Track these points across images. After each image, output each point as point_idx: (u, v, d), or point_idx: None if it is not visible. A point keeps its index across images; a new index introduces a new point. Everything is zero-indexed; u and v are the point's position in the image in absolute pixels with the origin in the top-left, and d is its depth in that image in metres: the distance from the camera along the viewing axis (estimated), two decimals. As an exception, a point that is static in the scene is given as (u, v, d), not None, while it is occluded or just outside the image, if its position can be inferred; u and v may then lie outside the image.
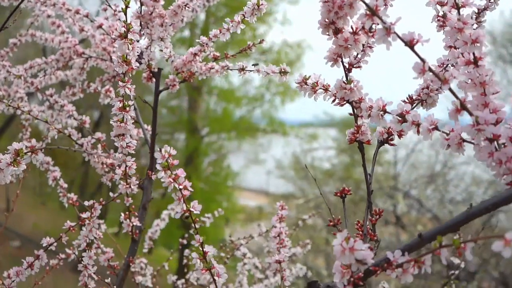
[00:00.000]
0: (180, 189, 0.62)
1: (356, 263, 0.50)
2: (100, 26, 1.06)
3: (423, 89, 0.68)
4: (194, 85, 11.21)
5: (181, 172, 0.62)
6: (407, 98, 0.68)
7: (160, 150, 0.60)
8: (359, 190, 7.05)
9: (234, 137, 12.04)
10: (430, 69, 0.51)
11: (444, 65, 0.70)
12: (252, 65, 0.95)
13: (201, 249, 0.64)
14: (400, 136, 0.67)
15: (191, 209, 0.63)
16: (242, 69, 0.94)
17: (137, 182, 0.90)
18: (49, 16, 1.18)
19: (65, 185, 1.09)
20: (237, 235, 1.42)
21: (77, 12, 1.09)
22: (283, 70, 0.86)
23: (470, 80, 0.54)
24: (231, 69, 0.96)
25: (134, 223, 0.96)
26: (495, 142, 0.51)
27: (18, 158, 0.66)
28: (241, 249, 1.30)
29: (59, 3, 1.09)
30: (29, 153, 0.67)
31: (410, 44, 0.50)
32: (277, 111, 11.62)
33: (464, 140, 0.54)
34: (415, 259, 0.50)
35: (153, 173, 0.97)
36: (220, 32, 0.89)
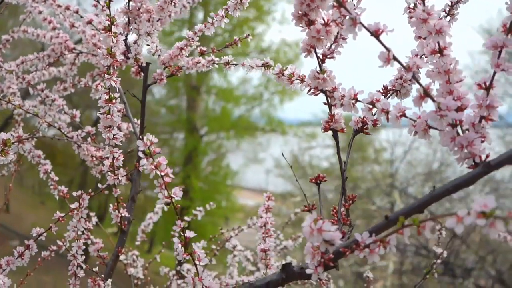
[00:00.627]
0: (162, 176, 0.64)
1: (324, 244, 0.52)
2: (90, 22, 1.08)
3: (397, 79, 0.70)
4: (193, 85, 11.24)
5: (162, 160, 0.65)
6: (381, 88, 0.71)
7: (142, 139, 0.63)
8: (357, 188, 7.08)
9: (233, 136, 12.06)
10: (395, 58, 0.53)
11: (418, 57, 0.72)
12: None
13: (182, 234, 0.66)
14: (374, 125, 0.69)
15: (172, 195, 0.65)
16: (227, 63, 0.96)
17: (125, 174, 0.92)
18: (40, 12, 1.20)
19: (56, 178, 1.11)
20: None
21: (67, 8, 1.12)
22: (266, 64, 0.88)
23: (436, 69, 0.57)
24: (217, 63, 0.99)
25: (123, 214, 0.98)
26: (458, 128, 0.54)
27: (6, 148, 0.68)
28: (231, 241, 1.33)
29: (50, 0, 1.11)
30: (16, 143, 0.69)
31: (375, 34, 0.52)
32: (276, 110, 11.65)
33: (430, 127, 0.56)
34: (380, 239, 0.52)
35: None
36: (205, 26, 0.91)
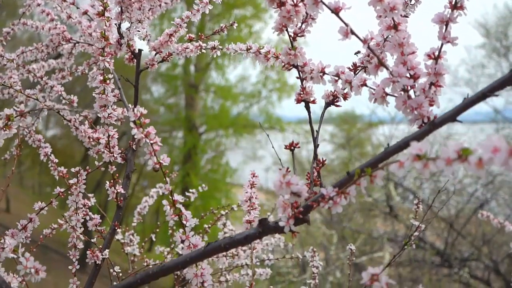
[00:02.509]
0: (151, 144, 0.71)
1: (292, 196, 0.60)
2: (85, 13, 1.15)
3: (365, 56, 0.77)
4: (191, 83, 11.31)
5: (151, 129, 0.72)
6: (351, 65, 0.78)
7: (133, 110, 0.70)
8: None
9: (232, 134, 12.13)
10: (352, 32, 0.60)
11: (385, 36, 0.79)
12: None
13: (170, 197, 0.73)
14: (345, 98, 0.76)
15: (161, 161, 0.72)
16: (213, 48, 1.03)
17: (120, 151, 0.99)
18: (39, 5, 1.27)
19: (56, 160, 1.18)
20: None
21: (64, 0, 1.18)
22: (249, 48, 0.95)
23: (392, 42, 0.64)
24: (204, 49, 1.06)
25: (119, 191, 1.06)
26: (411, 93, 0.61)
27: (9, 122, 0.75)
28: (222, 219, 1.40)
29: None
30: (19, 117, 0.76)
31: (335, 11, 0.60)
32: (274, 108, 11.72)
33: (386, 94, 0.63)
34: (341, 191, 0.59)
35: (135, 142, 1.06)
36: (192, 13, 0.98)
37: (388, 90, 0.62)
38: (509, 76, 0.54)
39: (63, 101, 1.20)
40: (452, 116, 0.56)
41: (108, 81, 0.86)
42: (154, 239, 1.53)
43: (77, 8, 1.18)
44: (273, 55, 0.73)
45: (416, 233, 1.11)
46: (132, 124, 0.70)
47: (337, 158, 10.23)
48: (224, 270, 1.32)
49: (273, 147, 0.99)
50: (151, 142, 0.71)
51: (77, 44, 1.28)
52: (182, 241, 0.72)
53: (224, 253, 1.25)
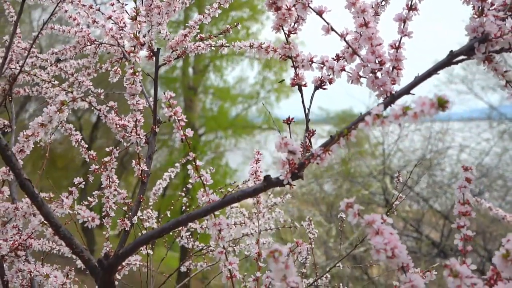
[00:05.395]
0: (179, 120, 0.90)
1: (289, 154, 0.78)
2: (109, 18, 1.34)
3: (345, 48, 0.96)
4: (190, 85, 11.49)
5: (179, 109, 0.91)
6: (335, 55, 0.97)
7: (164, 93, 0.89)
8: (354, 181, 7.36)
9: (231, 135, 12.31)
10: (332, 29, 0.79)
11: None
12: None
13: (194, 163, 0.92)
14: (330, 82, 0.95)
15: (186, 133, 0.91)
16: (221, 46, 1.23)
17: (145, 134, 1.19)
18: (66, 11, 1.46)
19: (86, 145, 1.37)
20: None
21: (90, 7, 1.38)
22: (251, 44, 1.14)
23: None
24: (213, 46, 1.25)
25: (143, 168, 1.25)
26: (377, 74, 0.80)
27: (63, 107, 0.95)
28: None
29: (76, 0, 1.38)
30: (71, 102, 0.95)
31: (319, 13, 0.79)
32: (273, 108, 11.91)
33: (360, 76, 0.83)
34: (326, 149, 0.78)
35: (157, 127, 1.25)
36: (203, 16, 1.17)
37: (361, 73, 0.81)
38: (447, 60, 0.73)
39: (91, 94, 1.39)
40: (406, 91, 0.75)
41: (137, 73, 1.05)
42: (169, 215, 1.71)
43: (102, 14, 1.37)
44: (272, 49, 0.92)
45: (396, 202, 1.30)
46: (163, 105, 0.89)
47: (337, 156, 10.42)
48: (232, 242, 1.51)
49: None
50: (179, 118, 0.90)
51: (100, 45, 1.47)
52: (203, 197, 0.91)
53: (233, 222, 1.44)
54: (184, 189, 1.99)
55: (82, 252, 0.83)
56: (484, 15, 0.72)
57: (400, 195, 1.34)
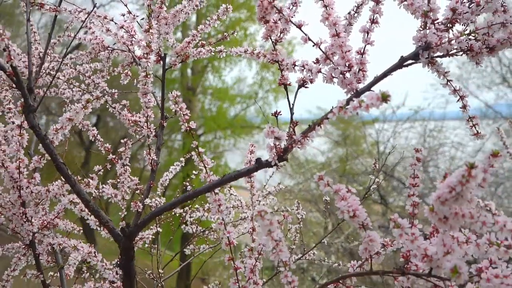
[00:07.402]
0: (184, 114, 1.09)
1: (275, 140, 0.97)
2: (122, 27, 1.53)
3: (321, 54, 1.15)
4: (189, 86, 11.67)
5: (183, 105, 1.10)
6: (315, 59, 1.16)
7: (171, 92, 1.08)
8: (353, 183, 7.55)
9: (230, 135, 12.48)
10: (309, 39, 0.98)
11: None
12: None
13: (197, 150, 1.11)
14: (311, 82, 1.14)
15: (190, 125, 1.10)
16: (221, 51, 1.42)
17: (155, 127, 1.38)
18: (83, 22, 1.65)
19: (101, 139, 1.56)
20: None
21: (105, 17, 1.57)
22: (246, 50, 1.33)
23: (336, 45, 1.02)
24: (213, 52, 1.44)
25: (153, 157, 1.44)
26: (347, 75, 0.99)
27: (88, 104, 1.14)
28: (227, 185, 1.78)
29: (101, 17, 1.56)
30: (95, 100, 1.14)
31: (299, 26, 0.98)
32: (271, 108, 12.08)
33: (333, 76, 1.02)
34: (305, 135, 0.97)
35: (165, 121, 1.44)
36: (205, 26, 1.37)
37: (333, 74, 1.00)
38: (399, 63, 0.92)
39: (106, 95, 1.58)
40: (367, 88, 0.95)
41: (149, 76, 1.24)
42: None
43: (115, 23, 1.56)
44: (263, 55, 1.11)
45: (374, 186, 1.49)
46: (170, 101, 1.08)
47: (335, 155, 10.63)
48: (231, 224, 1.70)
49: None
50: (184, 113, 1.09)
51: (113, 51, 1.66)
52: (205, 178, 1.10)
53: (232, 205, 1.63)
54: (185, 181, 2.18)
55: (107, 222, 1.02)
56: (427, 28, 0.91)
57: (377, 179, 1.53)
